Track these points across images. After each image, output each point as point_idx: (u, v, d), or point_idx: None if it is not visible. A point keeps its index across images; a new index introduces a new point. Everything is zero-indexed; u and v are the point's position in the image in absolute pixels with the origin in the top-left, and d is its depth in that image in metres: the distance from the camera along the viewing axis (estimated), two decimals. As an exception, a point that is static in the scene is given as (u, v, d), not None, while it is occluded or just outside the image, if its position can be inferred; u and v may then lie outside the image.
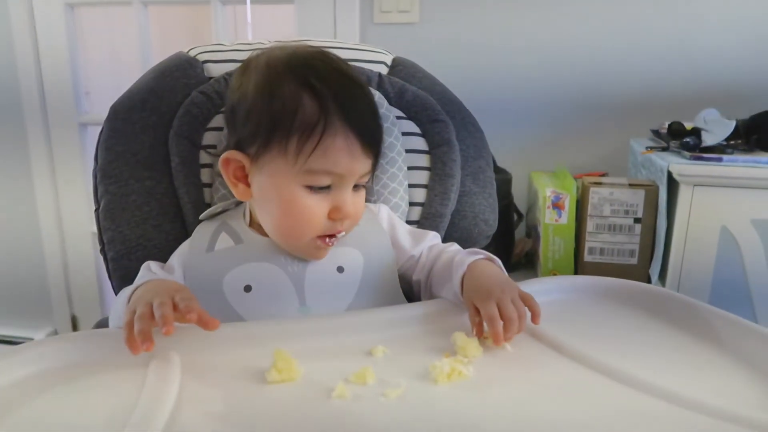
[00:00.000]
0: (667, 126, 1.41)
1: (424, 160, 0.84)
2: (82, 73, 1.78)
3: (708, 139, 1.28)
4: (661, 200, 1.27)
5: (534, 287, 0.71)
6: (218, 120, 0.80)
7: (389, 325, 0.64)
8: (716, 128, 1.29)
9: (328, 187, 0.66)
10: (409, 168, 0.83)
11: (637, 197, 1.32)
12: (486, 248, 0.88)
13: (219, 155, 0.69)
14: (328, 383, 0.53)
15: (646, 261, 1.34)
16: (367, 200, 0.81)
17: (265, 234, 0.71)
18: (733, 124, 1.29)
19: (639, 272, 1.34)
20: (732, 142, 1.29)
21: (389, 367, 0.56)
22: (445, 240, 0.83)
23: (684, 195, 1.20)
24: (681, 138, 1.33)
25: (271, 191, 0.66)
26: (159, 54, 1.68)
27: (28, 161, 1.80)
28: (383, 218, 0.77)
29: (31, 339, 1.95)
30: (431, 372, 0.55)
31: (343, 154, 0.64)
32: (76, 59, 1.74)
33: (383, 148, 0.72)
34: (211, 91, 0.80)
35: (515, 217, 1.61)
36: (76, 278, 1.92)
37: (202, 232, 0.73)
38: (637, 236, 1.33)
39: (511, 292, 0.61)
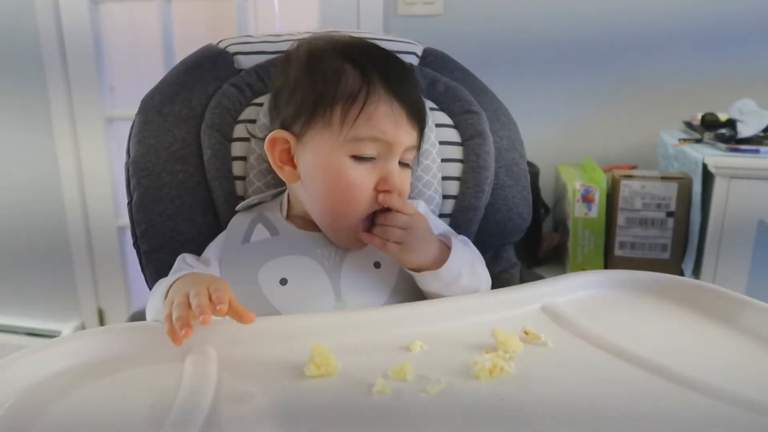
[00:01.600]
0: (700, 117, 1.38)
1: (457, 152, 0.82)
2: (107, 69, 1.79)
3: (744, 131, 1.24)
4: (696, 193, 1.24)
5: (566, 283, 0.70)
6: (249, 112, 0.79)
7: (426, 320, 0.63)
8: (752, 119, 1.26)
9: (374, 159, 0.65)
10: (442, 160, 0.82)
11: (670, 190, 1.29)
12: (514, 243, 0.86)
13: (263, 138, 0.69)
14: (366, 378, 0.52)
15: (678, 255, 1.31)
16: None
17: (302, 227, 0.70)
18: (771, 114, 1.25)
19: (671, 267, 1.31)
20: (769, 134, 1.25)
21: (428, 363, 0.55)
22: (479, 234, 0.81)
23: (720, 188, 1.17)
24: (715, 129, 1.30)
25: (318, 167, 0.66)
26: (181, 48, 1.69)
27: (54, 157, 1.82)
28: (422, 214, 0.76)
29: (59, 332, 1.97)
30: (472, 368, 0.53)
31: (388, 121, 0.64)
32: (101, 55, 1.75)
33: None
34: (242, 84, 0.79)
35: (542, 211, 1.58)
36: (103, 271, 1.93)
37: (238, 224, 0.73)
38: (670, 230, 1.30)
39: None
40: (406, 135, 0.66)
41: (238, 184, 0.78)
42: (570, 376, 0.54)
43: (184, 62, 0.82)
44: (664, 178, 1.29)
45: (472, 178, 0.81)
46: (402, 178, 0.67)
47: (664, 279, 0.71)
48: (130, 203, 0.77)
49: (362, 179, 0.65)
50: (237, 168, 0.78)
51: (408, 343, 0.58)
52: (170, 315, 0.53)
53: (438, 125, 0.82)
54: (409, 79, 0.69)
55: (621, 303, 0.69)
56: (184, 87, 0.78)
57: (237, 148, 0.78)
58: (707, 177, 1.21)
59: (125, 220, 1.89)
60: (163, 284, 0.62)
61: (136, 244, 0.77)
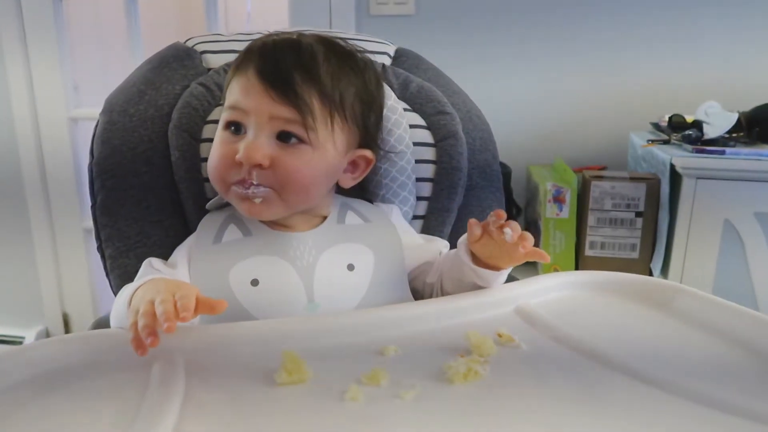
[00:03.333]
0: (667, 119, 1.40)
1: (430, 153, 0.82)
2: (70, 67, 1.74)
3: (710, 132, 1.27)
4: (663, 193, 1.26)
5: (538, 284, 0.70)
6: (218, 113, 0.77)
7: (400, 323, 0.62)
8: (718, 121, 1.28)
9: (241, 130, 0.66)
10: (416, 161, 0.81)
11: (639, 191, 1.31)
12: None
13: None
14: (339, 385, 0.51)
15: (647, 255, 1.33)
16: (376, 194, 0.79)
17: (274, 227, 0.69)
18: (735, 116, 1.28)
19: (640, 266, 1.33)
20: (734, 135, 1.28)
21: (402, 367, 0.54)
22: (452, 236, 0.81)
23: (687, 188, 1.19)
24: (682, 131, 1.32)
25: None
26: (149, 46, 1.66)
27: (17, 157, 1.76)
28: (396, 219, 0.75)
29: (22, 338, 1.91)
30: (446, 372, 0.53)
31: (242, 90, 0.65)
32: (64, 53, 1.70)
33: (386, 134, 0.75)
34: (210, 83, 0.77)
35: (514, 211, 1.59)
36: (68, 275, 1.88)
37: (208, 224, 0.71)
38: (639, 230, 1.32)
39: None
40: (260, 103, 0.64)
41: (207, 186, 0.76)
42: (544, 379, 0.53)
43: (150, 61, 0.80)
44: (633, 179, 1.31)
45: (445, 180, 0.80)
46: (274, 153, 0.64)
47: (635, 280, 0.72)
48: (93, 206, 0.74)
49: (224, 146, 0.66)
50: (205, 169, 0.76)
51: (381, 347, 0.58)
52: (135, 324, 0.52)
53: (411, 126, 0.82)
54: (294, 56, 0.65)
55: (593, 304, 0.69)
56: (151, 86, 0.76)
57: (205, 149, 0.76)
58: (675, 177, 1.23)
59: (90, 223, 1.87)
60: (127, 290, 0.60)
61: (100, 248, 0.75)
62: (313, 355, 0.55)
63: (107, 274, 0.75)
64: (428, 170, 0.82)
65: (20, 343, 1.88)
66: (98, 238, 0.74)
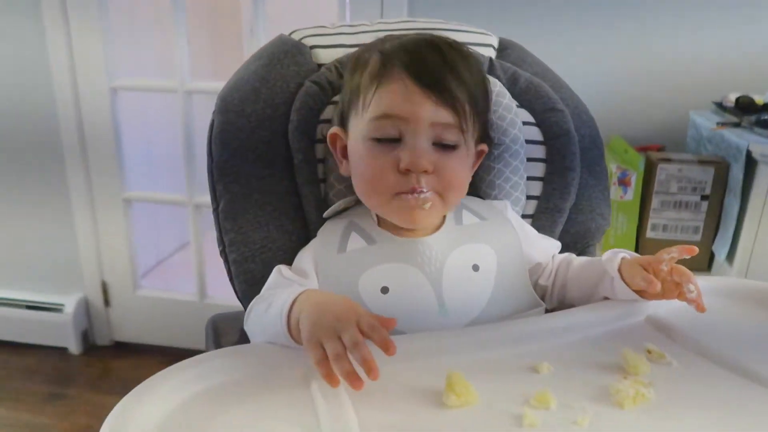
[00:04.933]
0: (734, 99, 1.38)
1: (540, 152, 0.80)
2: (113, 36, 1.68)
3: (784, 117, 1.25)
4: (736, 179, 1.25)
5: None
6: (329, 112, 0.75)
7: (541, 337, 0.62)
8: (791, 104, 1.26)
9: (397, 141, 0.65)
10: (528, 160, 0.80)
11: (706, 174, 1.30)
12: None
13: None
14: (509, 408, 0.52)
15: (710, 238, 1.33)
16: (489, 194, 0.78)
17: (397, 233, 0.68)
18: (811, 100, 1.26)
19: (702, 249, 1.33)
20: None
21: (563, 388, 0.55)
22: (561, 235, 0.80)
23: (763, 176, 1.18)
24: (751, 113, 1.31)
25: (351, 155, 0.69)
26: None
27: (58, 131, 1.73)
28: (511, 216, 0.75)
29: (61, 305, 1.91)
30: (614, 395, 0.53)
31: (397, 96, 0.64)
32: (105, 21, 1.65)
33: (501, 134, 0.74)
34: (323, 81, 0.75)
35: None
36: (107, 245, 1.87)
37: (329, 232, 0.70)
38: (703, 213, 1.32)
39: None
40: (424, 111, 0.63)
41: (321, 186, 0.75)
42: (706, 401, 0.54)
43: (259, 56, 0.77)
44: (701, 162, 1.30)
45: (558, 180, 0.79)
46: (436, 159, 0.65)
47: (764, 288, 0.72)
48: (216, 210, 0.73)
49: (382, 158, 0.64)
50: (322, 171, 0.75)
51: (534, 364, 0.58)
52: (322, 361, 0.51)
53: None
54: (439, 58, 0.65)
55: (727, 313, 0.69)
56: (265, 84, 0.74)
57: (319, 151, 0.75)
58: (749, 163, 1.22)
59: (132, 193, 1.85)
60: (276, 302, 0.59)
61: (223, 253, 0.74)
62: (468, 372, 0.55)
63: (231, 279, 0.74)
64: (538, 169, 0.80)
65: (60, 310, 1.88)
66: (221, 242, 0.73)
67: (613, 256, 0.65)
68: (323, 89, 0.75)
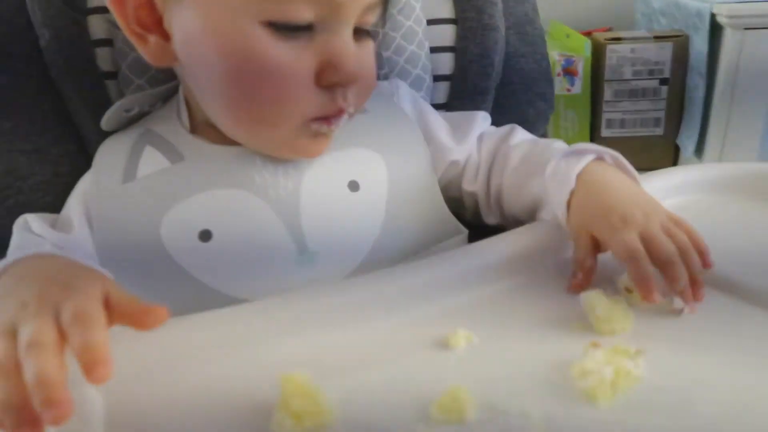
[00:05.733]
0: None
1: (446, 10, 0.55)
2: None
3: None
4: (699, 54, 1.03)
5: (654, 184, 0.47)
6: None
7: (465, 283, 0.38)
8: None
9: (309, 28, 0.37)
10: (428, 22, 0.54)
11: (664, 53, 1.07)
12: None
13: None
14: (392, 426, 0.28)
15: (673, 130, 1.12)
16: (378, 75, 0.52)
17: (218, 140, 0.42)
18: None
19: (665, 144, 1.13)
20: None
21: (489, 376, 0.32)
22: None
23: (731, 43, 0.96)
24: (713, -28, 1.07)
25: (205, 37, 0.37)
26: None
27: None
28: (405, 100, 0.49)
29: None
30: (579, 381, 0.30)
31: None
32: None
33: None
34: None
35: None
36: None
37: (111, 152, 0.44)
38: (663, 101, 1.11)
39: (658, 216, 0.38)
40: None
41: (111, 84, 0.48)
42: (735, 367, 0.32)
43: None
44: (657, 38, 1.07)
45: (473, 46, 0.54)
46: (362, 58, 0.40)
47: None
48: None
49: (292, 62, 0.37)
50: (104, 59, 0.47)
51: (446, 334, 0.34)
52: None
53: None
54: None
55: (730, 212, 0.47)
56: None
57: (99, 28, 0.47)
58: (714, 31, 0.99)
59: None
60: None
61: None
62: (331, 366, 0.32)
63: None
64: (447, 34, 0.55)
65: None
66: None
67: (562, 172, 0.41)
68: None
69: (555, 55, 1.09)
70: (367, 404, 0.30)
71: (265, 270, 0.41)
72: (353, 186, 0.44)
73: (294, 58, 0.37)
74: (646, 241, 0.36)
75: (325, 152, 0.43)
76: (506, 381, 0.31)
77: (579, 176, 0.40)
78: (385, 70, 0.52)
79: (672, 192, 0.48)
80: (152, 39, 0.39)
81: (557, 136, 1.14)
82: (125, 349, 0.29)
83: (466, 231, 0.47)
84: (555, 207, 0.40)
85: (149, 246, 0.40)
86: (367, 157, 0.45)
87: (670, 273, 0.35)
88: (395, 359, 0.33)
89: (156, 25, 0.39)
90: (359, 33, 0.40)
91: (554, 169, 0.42)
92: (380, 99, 0.48)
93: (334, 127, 0.40)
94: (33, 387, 0.24)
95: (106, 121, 0.44)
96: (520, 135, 0.49)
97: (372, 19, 0.40)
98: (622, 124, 1.12)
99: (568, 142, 1.07)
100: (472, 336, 0.34)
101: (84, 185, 0.43)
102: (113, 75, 0.48)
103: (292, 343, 0.34)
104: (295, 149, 0.42)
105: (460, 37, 0.55)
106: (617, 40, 1.09)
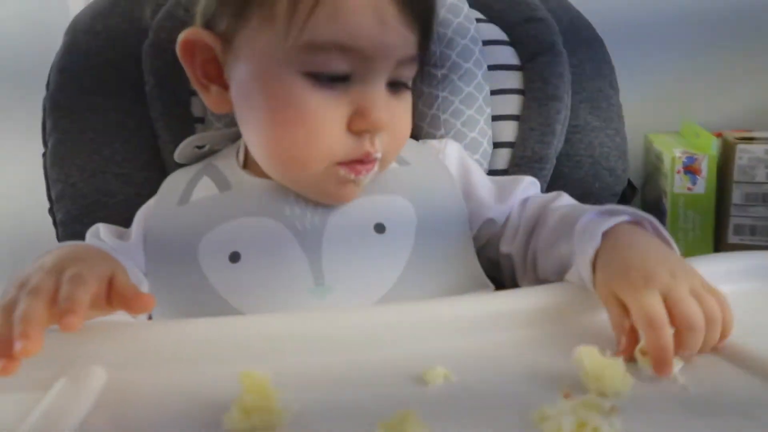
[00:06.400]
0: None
1: (514, 80, 0.56)
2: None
3: None
4: None
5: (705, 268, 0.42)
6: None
7: (457, 329, 0.37)
8: None
9: (345, 79, 0.41)
10: (493, 92, 0.56)
11: (806, 156, 0.97)
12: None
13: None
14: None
15: (817, 242, 0.99)
16: (432, 135, 0.55)
17: (264, 175, 0.47)
18: None
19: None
20: None
21: (453, 410, 0.30)
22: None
23: None
24: None
25: (253, 85, 0.42)
26: None
27: None
28: (451, 158, 0.51)
29: None
30: (536, 425, 0.28)
31: (366, 15, 0.39)
32: None
33: (444, 46, 0.50)
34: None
35: (627, 191, 1.28)
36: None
37: (176, 180, 0.50)
38: (805, 209, 0.99)
39: (688, 279, 0.34)
40: (396, 38, 0.41)
41: (199, 128, 0.55)
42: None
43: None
44: (797, 140, 0.98)
45: (536, 115, 0.55)
46: (393, 111, 0.43)
47: None
48: (44, 155, 0.55)
49: (327, 110, 0.41)
50: (197, 106, 0.55)
51: (423, 370, 0.33)
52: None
53: (486, 42, 0.57)
54: None
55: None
56: None
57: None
58: None
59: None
60: None
61: (51, 212, 0.55)
62: (303, 379, 0.32)
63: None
64: (512, 104, 0.56)
65: None
66: (49, 197, 0.55)
67: (590, 229, 0.39)
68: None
69: (677, 152, 1.03)
70: (320, 417, 0.30)
71: (282, 296, 0.43)
72: (379, 228, 0.45)
73: (328, 105, 0.41)
74: (671, 304, 0.33)
75: (358, 196, 0.45)
76: (470, 418, 0.29)
77: (606, 234, 0.38)
78: (441, 130, 0.54)
79: (740, 275, 0.43)
80: (214, 89, 0.45)
81: (675, 236, 1.05)
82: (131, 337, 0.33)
83: (492, 286, 0.45)
84: (580, 267, 0.38)
85: (187, 260, 0.44)
86: (397, 203, 0.46)
87: (687, 340, 0.32)
88: (365, 386, 0.33)
89: (218, 77, 0.45)
90: (396, 86, 0.43)
91: (583, 226, 0.40)
92: (425, 154, 0.50)
93: (363, 177, 0.43)
94: (16, 322, 0.28)
95: (179, 153, 0.51)
96: (565, 200, 0.48)
97: (408, 73, 0.43)
98: (753, 231, 1.01)
99: (688, 245, 0.99)
100: (452, 375, 0.33)
101: (149, 205, 0.50)
102: (201, 120, 0.56)
103: (276, 357, 0.35)
104: (323, 193, 0.45)
105: (525, 106, 0.56)
106: (749, 140, 1.01)
